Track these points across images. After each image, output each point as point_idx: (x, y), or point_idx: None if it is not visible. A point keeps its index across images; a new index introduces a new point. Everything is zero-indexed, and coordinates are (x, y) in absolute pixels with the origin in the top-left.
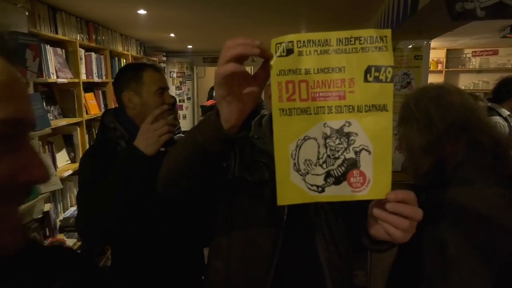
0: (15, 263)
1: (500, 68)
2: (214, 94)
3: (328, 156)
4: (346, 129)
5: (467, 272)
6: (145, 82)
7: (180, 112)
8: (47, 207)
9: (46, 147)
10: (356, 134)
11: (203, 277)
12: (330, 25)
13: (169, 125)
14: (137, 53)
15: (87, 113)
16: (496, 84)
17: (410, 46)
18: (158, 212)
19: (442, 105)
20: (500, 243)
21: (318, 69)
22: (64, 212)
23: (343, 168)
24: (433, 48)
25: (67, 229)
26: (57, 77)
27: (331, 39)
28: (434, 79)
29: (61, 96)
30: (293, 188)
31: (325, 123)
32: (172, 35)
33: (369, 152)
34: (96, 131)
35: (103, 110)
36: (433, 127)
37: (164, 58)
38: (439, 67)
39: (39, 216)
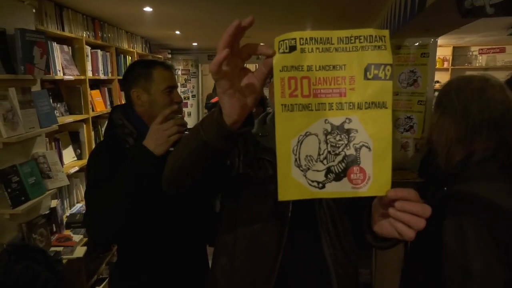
0: None
1: (507, 66)
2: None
3: (329, 152)
4: (346, 126)
5: (487, 261)
6: (154, 80)
7: (185, 110)
8: (54, 203)
9: (53, 143)
10: (356, 131)
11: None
12: (336, 23)
13: (178, 125)
14: (143, 51)
15: (93, 110)
16: (507, 79)
17: (417, 44)
18: (163, 210)
19: (483, 100)
20: None
21: (319, 66)
22: (70, 209)
23: (343, 164)
24: (440, 46)
25: (73, 225)
26: (64, 74)
27: (333, 37)
28: (440, 77)
29: (67, 93)
30: (294, 184)
31: (326, 120)
32: (177, 32)
33: (369, 148)
34: (103, 128)
35: (109, 107)
36: (469, 120)
37: (169, 56)
38: (445, 64)
39: (46, 212)
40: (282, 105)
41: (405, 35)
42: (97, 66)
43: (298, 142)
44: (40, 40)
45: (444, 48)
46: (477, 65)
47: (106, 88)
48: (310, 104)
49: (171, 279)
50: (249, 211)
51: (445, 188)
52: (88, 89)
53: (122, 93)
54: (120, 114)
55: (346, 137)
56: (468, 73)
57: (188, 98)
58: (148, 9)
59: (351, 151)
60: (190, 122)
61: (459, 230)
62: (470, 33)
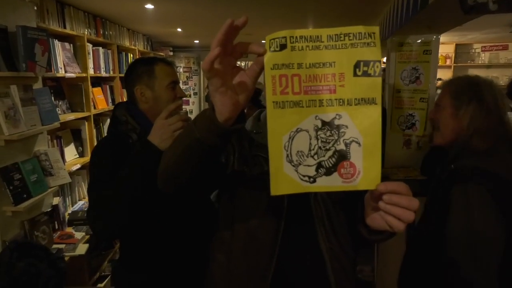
0: None
1: (509, 63)
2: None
3: (320, 147)
4: (336, 122)
5: (489, 222)
6: (157, 76)
7: (187, 107)
8: (56, 200)
9: (55, 141)
10: (346, 127)
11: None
12: (338, 21)
13: (183, 120)
14: (144, 48)
15: (95, 107)
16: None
17: (419, 41)
18: (164, 206)
19: (506, 98)
20: None
21: (310, 64)
22: (72, 206)
23: (333, 159)
24: (442, 43)
25: (75, 222)
26: (65, 71)
27: (322, 35)
28: (442, 74)
29: (69, 91)
30: (286, 178)
31: (316, 116)
32: (179, 30)
33: (359, 144)
34: (104, 126)
35: (110, 104)
36: (492, 116)
37: (171, 53)
38: (448, 62)
39: (48, 210)
40: (273, 102)
41: (407, 32)
42: (98, 63)
43: (290, 138)
44: (41, 37)
45: (446, 45)
46: (479, 62)
47: (107, 86)
48: (301, 101)
49: (174, 275)
50: (245, 207)
51: (452, 166)
52: (90, 86)
53: (124, 91)
54: (124, 110)
55: (337, 132)
56: (470, 70)
57: (190, 96)
58: (149, 6)
59: (341, 147)
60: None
61: (464, 195)
62: (473, 30)
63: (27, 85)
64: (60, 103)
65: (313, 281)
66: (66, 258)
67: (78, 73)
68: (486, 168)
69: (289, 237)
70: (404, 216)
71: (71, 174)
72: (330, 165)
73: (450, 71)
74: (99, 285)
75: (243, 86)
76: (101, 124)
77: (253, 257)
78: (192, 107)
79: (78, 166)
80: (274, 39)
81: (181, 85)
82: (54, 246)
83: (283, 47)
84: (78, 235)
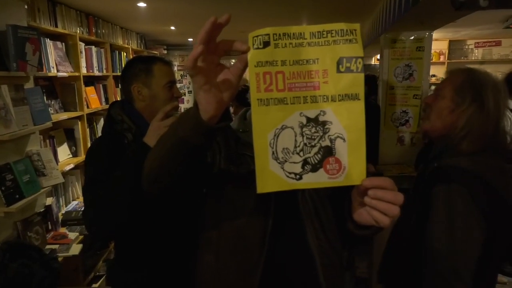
0: None
1: (503, 59)
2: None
3: (305, 144)
4: (321, 118)
5: (469, 223)
6: (155, 75)
7: (182, 106)
8: (49, 201)
9: (48, 141)
10: (331, 123)
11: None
12: (331, 17)
13: None
14: (138, 46)
15: (88, 107)
16: (507, 75)
17: (412, 38)
18: (157, 207)
19: (506, 103)
20: (496, 201)
21: (293, 61)
22: (66, 206)
23: (319, 155)
24: (436, 39)
25: (69, 222)
26: (58, 71)
27: (305, 32)
28: (436, 70)
29: (61, 90)
30: (272, 176)
31: (301, 113)
32: (172, 28)
33: (343, 139)
34: (98, 125)
35: (104, 103)
36: (490, 121)
37: (165, 51)
38: (442, 58)
39: (41, 210)
40: (258, 99)
41: (400, 28)
42: (91, 62)
43: (275, 135)
44: (32, 36)
45: (440, 41)
46: (473, 58)
47: (101, 85)
48: (285, 98)
49: (169, 274)
50: (232, 206)
51: (436, 164)
52: (83, 85)
53: (118, 90)
54: (119, 109)
55: (321, 129)
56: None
57: (185, 94)
58: (142, 4)
59: (326, 143)
60: None
61: (447, 199)
62: (466, 26)
63: (18, 84)
64: (52, 102)
65: (302, 278)
66: (60, 259)
67: (71, 72)
68: (470, 169)
69: (277, 234)
70: (390, 211)
71: (65, 174)
72: (316, 161)
73: (444, 67)
74: (94, 285)
75: (227, 84)
76: (95, 123)
77: (242, 255)
78: (187, 106)
79: (72, 166)
80: (257, 36)
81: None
82: (48, 246)
83: (266, 44)
84: (72, 235)
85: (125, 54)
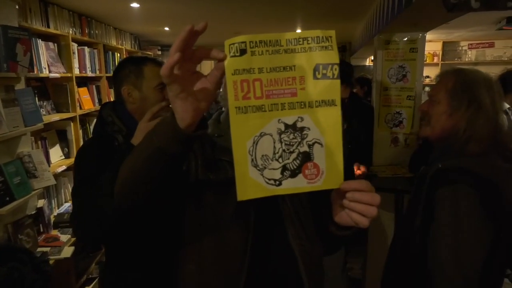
0: None
1: (496, 60)
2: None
3: (284, 150)
4: (299, 124)
5: (475, 225)
6: (145, 77)
7: None
8: (41, 203)
9: (39, 142)
10: (309, 129)
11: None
12: (325, 19)
13: None
14: (132, 47)
15: (80, 108)
16: (500, 76)
17: (406, 39)
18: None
19: (502, 102)
20: (502, 202)
21: (270, 68)
22: (58, 208)
23: (298, 161)
24: (429, 41)
25: (61, 225)
26: (50, 71)
27: (281, 40)
28: (430, 72)
29: (54, 91)
30: (252, 183)
31: (279, 119)
32: (166, 28)
33: (321, 145)
34: (91, 126)
35: (97, 105)
36: (490, 121)
37: (159, 52)
38: (435, 59)
39: (33, 212)
40: (236, 107)
41: (394, 30)
42: (84, 63)
43: (254, 142)
44: (23, 37)
45: (434, 43)
46: (466, 60)
47: (94, 86)
48: (263, 105)
49: (161, 277)
50: (212, 214)
51: (440, 165)
52: (75, 86)
53: (111, 91)
54: (110, 111)
55: (299, 135)
56: None
57: None
58: (135, 5)
59: (304, 148)
60: None
61: (453, 201)
62: (459, 28)
63: (8, 85)
64: (44, 103)
65: (285, 277)
66: (52, 262)
67: (63, 73)
68: (476, 170)
69: (259, 238)
70: (367, 212)
71: (57, 175)
72: (295, 167)
73: (437, 68)
74: None
75: (204, 92)
76: (88, 124)
77: (225, 262)
78: None
79: (64, 167)
80: (233, 44)
81: None
82: (39, 249)
83: (243, 52)
84: (64, 237)
85: (119, 55)
